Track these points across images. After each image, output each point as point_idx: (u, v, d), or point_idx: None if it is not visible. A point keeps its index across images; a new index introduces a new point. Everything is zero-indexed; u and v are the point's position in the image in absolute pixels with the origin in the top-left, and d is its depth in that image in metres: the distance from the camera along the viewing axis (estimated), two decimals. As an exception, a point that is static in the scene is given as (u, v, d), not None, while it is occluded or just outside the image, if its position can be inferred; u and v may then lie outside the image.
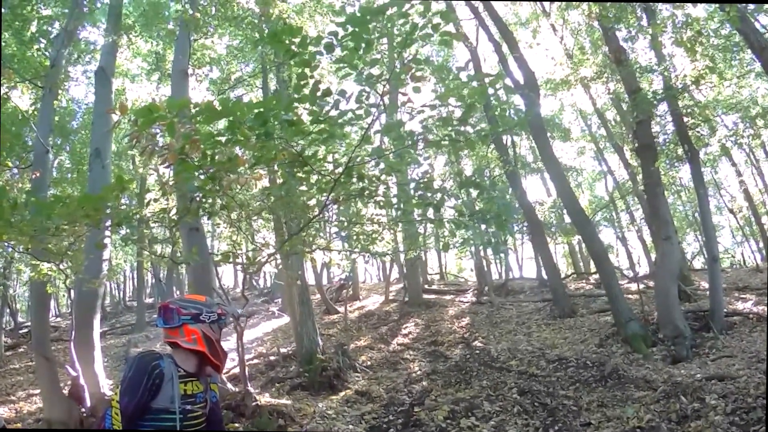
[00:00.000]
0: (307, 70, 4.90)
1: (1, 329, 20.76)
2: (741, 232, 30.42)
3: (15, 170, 16.54)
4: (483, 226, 7.01)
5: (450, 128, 5.85)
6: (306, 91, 4.94)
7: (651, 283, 16.30)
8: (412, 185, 6.61)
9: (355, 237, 8.61)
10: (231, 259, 8.90)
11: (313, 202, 7.56)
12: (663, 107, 13.65)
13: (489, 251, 22.31)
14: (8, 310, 24.97)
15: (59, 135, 18.06)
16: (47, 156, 12.00)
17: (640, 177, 15.80)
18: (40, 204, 5.88)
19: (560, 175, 14.48)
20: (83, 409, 9.88)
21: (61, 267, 9.53)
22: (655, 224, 13.12)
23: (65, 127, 19.06)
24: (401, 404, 8.89)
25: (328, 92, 5.03)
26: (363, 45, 4.66)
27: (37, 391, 12.83)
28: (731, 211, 28.76)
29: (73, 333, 10.53)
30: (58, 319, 27.49)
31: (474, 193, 10.16)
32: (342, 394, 10.54)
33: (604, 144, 23.84)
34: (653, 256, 20.32)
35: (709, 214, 13.75)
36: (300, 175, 6.34)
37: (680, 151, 13.35)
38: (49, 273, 9.89)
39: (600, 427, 7.12)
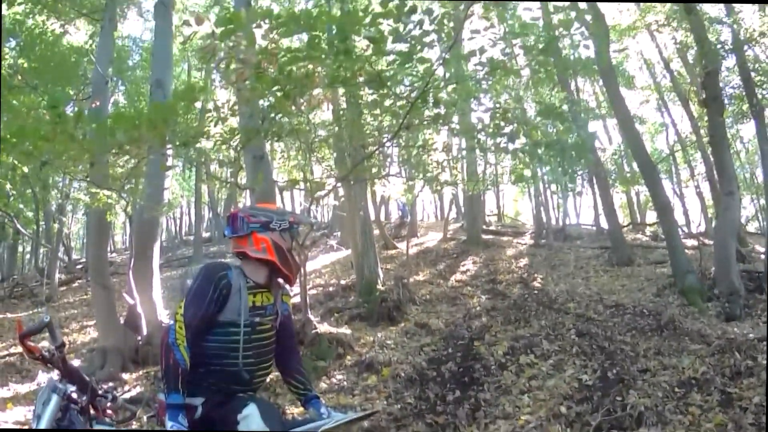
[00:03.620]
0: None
1: (56, 263, 21.23)
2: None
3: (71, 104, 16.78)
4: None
5: (531, 58, 5.74)
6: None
7: (707, 241, 15.97)
8: (488, 114, 6.48)
9: (420, 164, 8.51)
10: (296, 184, 8.84)
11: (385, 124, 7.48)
12: (730, 62, 13.25)
13: (554, 187, 21.98)
14: (62, 248, 25.33)
15: (116, 72, 18.09)
16: (106, 87, 12.05)
17: (703, 131, 15.39)
18: (102, 126, 5.86)
19: (628, 120, 13.93)
20: (139, 338, 9.83)
21: (122, 195, 9.57)
22: (718, 177, 12.75)
23: (123, 62, 19.10)
24: (461, 338, 8.88)
25: (414, 9, 4.91)
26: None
27: (91, 322, 12.96)
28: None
29: (132, 261, 10.40)
30: (114, 254, 27.83)
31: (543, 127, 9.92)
32: (401, 325, 10.55)
33: (668, 95, 23.21)
34: (710, 213, 19.90)
35: (772, 172, 13.24)
36: (375, 97, 6.24)
37: (745, 107, 12.93)
38: (109, 201, 9.92)
39: (657, 374, 6.99)
